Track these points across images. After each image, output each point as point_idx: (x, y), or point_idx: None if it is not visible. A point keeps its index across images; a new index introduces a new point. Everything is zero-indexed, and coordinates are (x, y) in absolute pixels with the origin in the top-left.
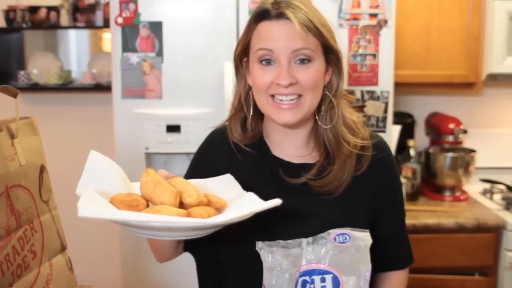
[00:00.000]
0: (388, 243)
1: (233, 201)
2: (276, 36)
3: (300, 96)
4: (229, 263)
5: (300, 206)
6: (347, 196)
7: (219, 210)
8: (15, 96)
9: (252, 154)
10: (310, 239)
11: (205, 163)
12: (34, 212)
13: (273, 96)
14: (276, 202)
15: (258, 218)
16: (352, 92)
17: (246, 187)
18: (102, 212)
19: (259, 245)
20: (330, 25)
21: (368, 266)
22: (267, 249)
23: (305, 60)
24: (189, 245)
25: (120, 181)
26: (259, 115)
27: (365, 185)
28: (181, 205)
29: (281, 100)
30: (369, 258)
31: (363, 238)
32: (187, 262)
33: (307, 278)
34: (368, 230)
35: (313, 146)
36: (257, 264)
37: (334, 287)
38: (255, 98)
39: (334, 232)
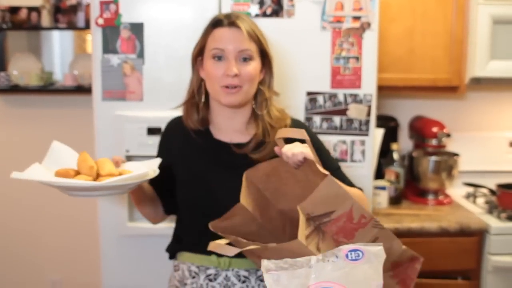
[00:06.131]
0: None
1: None
2: (227, 39)
3: (240, 86)
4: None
5: (238, 175)
6: None
7: None
8: None
9: (201, 138)
10: (320, 256)
11: (165, 145)
12: None
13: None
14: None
15: (206, 185)
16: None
17: (195, 164)
18: (26, 175)
19: (265, 263)
20: (265, 36)
21: (380, 280)
22: (272, 273)
23: (247, 59)
24: (169, 209)
25: (73, 163)
26: (206, 105)
27: None
28: (99, 176)
29: (227, 87)
30: (381, 272)
31: (377, 253)
32: (169, 267)
33: None
34: (381, 244)
35: (251, 130)
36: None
37: None
38: (207, 88)
39: (346, 248)
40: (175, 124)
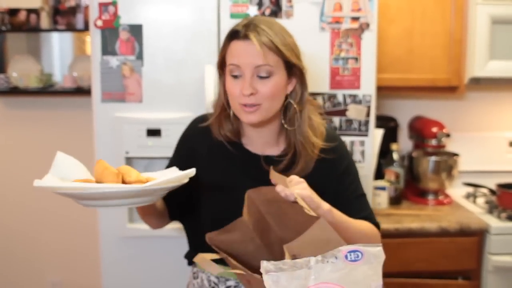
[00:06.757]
0: (351, 206)
1: None
2: (242, 54)
3: (259, 104)
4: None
5: None
6: (309, 182)
7: None
8: None
9: (232, 148)
10: (319, 257)
11: (186, 150)
12: None
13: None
14: (190, 172)
15: (233, 195)
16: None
17: (223, 175)
18: (50, 183)
19: (264, 264)
20: (293, 44)
21: (379, 281)
22: (272, 275)
23: (264, 76)
24: (175, 215)
25: (81, 174)
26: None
27: (327, 171)
28: (126, 183)
29: (245, 105)
30: (381, 273)
31: (376, 254)
32: (169, 268)
33: None
34: (381, 245)
35: (281, 143)
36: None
37: None
38: (229, 102)
39: (345, 249)
40: (200, 128)
